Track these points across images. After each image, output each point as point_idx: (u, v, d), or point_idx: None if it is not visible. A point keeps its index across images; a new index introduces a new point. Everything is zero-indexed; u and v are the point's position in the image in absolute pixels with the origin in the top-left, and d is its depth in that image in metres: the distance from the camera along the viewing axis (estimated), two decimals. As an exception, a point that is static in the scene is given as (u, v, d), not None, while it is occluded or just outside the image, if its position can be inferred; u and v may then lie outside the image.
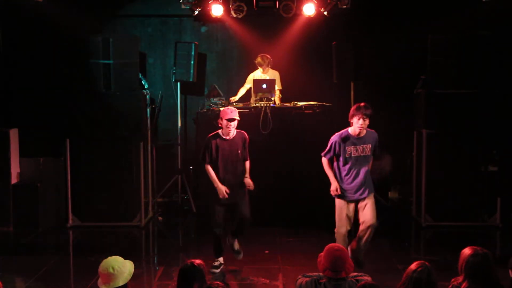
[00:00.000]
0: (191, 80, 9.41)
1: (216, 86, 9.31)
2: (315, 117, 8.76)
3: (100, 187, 8.52)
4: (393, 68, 9.67)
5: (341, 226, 6.28)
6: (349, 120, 6.20)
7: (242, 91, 9.48)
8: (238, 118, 6.47)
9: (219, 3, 9.35)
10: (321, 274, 4.21)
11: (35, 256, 7.41)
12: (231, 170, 6.56)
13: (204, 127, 8.67)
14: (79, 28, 8.97)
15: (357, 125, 6.11)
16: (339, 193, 6.23)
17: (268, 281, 6.46)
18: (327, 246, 4.27)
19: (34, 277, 6.58)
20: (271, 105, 8.70)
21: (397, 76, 9.63)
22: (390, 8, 9.69)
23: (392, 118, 9.16)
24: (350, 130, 6.22)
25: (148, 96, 8.97)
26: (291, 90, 9.46)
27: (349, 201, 6.28)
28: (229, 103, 8.90)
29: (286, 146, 8.75)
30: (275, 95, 8.92)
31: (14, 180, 8.63)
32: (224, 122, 6.45)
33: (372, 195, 6.33)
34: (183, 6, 9.37)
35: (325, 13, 9.53)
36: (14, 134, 8.73)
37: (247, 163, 6.70)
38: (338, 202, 6.30)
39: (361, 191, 6.24)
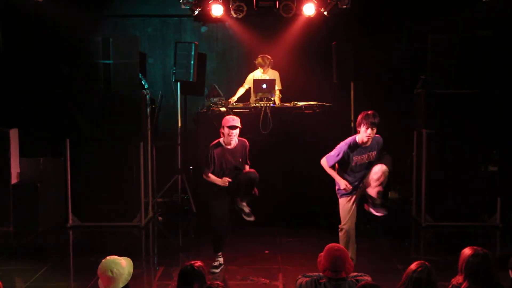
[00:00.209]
0: (191, 80, 9.40)
1: (216, 86, 9.29)
2: (315, 117, 8.76)
3: (100, 187, 8.52)
4: (393, 68, 9.66)
5: (346, 223, 6.31)
6: (357, 127, 6.18)
7: (241, 91, 9.47)
8: (240, 126, 6.42)
9: (219, 3, 9.35)
10: (321, 274, 4.21)
11: (35, 256, 7.39)
12: (231, 176, 6.54)
13: (204, 127, 8.69)
14: (79, 28, 8.99)
15: (365, 135, 6.09)
16: (351, 187, 6.23)
17: (268, 281, 6.45)
18: (327, 246, 4.26)
19: (34, 277, 6.57)
20: (271, 105, 8.70)
21: (397, 76, 9.62)
22: (390, 8, 9.68)
23: (392, 118, 9.13)
24: (358, 138, 6.19)
25: (148, 96, 8.96)
26: (291, 90, 9.46)
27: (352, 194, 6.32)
28: (229, 104, 8.90)
29: (286, 146, 8.75)
30: (275, 95, 8.93)
31: (14, 180, 8.62)
32: (226, 130, 6.38)
33: None
34: (183, 6, 9.37)
35: (325, 13, 9.53)
36: (14, 134, 8.73)
37: (247, 166, 6.71)
38: (342, 199, 6.33)
39: (361, 179, 6.29)
